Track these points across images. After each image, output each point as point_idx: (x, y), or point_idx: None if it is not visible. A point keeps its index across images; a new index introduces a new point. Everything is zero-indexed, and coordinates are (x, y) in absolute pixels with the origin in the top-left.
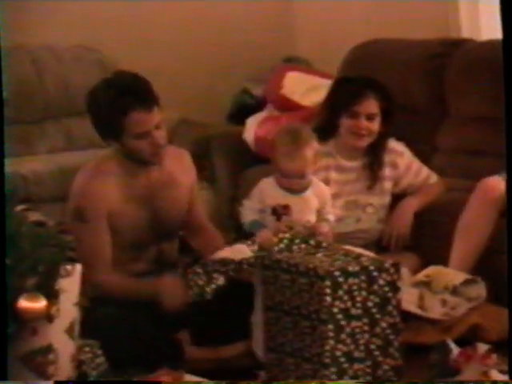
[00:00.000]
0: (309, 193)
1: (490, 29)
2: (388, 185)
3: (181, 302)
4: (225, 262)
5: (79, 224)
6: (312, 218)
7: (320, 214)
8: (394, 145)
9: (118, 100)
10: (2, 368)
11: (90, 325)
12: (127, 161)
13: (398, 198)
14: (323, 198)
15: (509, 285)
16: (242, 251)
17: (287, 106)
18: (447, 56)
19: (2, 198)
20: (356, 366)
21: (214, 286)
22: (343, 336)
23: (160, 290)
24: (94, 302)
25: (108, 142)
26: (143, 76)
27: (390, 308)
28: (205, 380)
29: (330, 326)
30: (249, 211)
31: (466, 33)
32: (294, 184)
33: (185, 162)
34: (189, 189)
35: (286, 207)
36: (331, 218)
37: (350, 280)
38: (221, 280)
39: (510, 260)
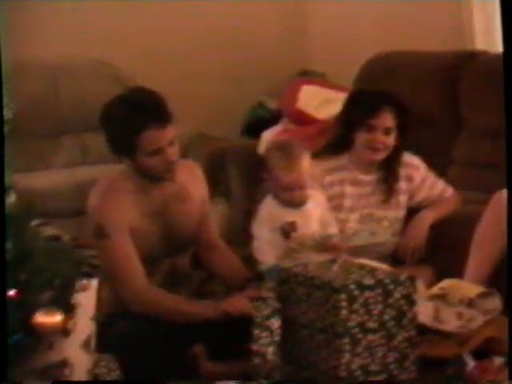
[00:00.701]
0: (310, 204)
1: None
2: (403, 198)
3: (246, 309)
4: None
5: (102, 241)
6: (317, 228)
7: (322, 225)
8: (410, 158)
9: (132, 118)
10: (2, 368)
11: (106, 339)
12: (140, 177)
13: (413, 211)
14: (323, 207)
15: (509, 284)
16: None
17: (302, 119)
18: (462, 68)
19: (2, 198)
20: (372, 379)
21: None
22: (359, 349)
23: (223, 305)
24: (109, 316)
25: (120, 159)
26: (158, 92)
27: (405, 321)
28: None
29: (346, 340)
30: (266, 247)
31: (480, 45)
32: (297, 196)
33: (196, 174)
34: (200, 202)
35: (293, 224)
36: (334, 230)
37: (366, 293)
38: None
39: (510, 261)
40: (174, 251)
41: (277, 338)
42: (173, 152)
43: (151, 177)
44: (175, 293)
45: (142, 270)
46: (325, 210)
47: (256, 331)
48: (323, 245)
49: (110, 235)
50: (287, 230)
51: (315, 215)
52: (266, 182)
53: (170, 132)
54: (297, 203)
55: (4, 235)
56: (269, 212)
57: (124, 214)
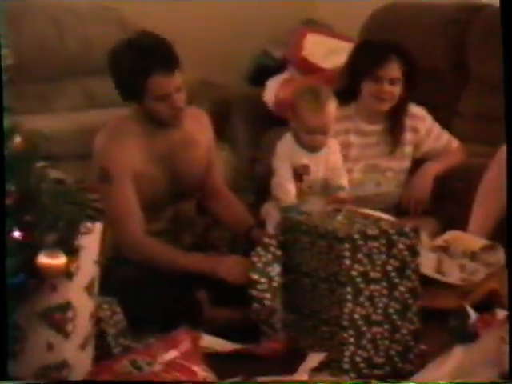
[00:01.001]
0: (325, 151)
1: None
2: (408, 149)
3: (243, 278)
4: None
5: (105, 185)
6: (329, 176)
7: (333, 176)
8: (415, 110)
9: (140, 62)
10: (2, 368)
11: (109, 283)
12: (147, 122)
13: (418, 162)
14: (337, 156)
15: (509, 282)
16: None
17: (308, 68)
18: (468, 21)
19: (2, 199)
20: (374, 329)
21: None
22: (362, 299)
23: (221, 269)
24: (112, 261)
25: (128, 103)
26: (165, 38)
27: (408, 272)
28: (222, 340)
29: (349, 289)
30: (287, 182)
31: None
32: (317, 141)
33: (203, 122)
34: (207, 149)
35: (306, 167)
36: (345, 183)
37: (370, 243)
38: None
39: (509, 258)
40: (179, 197)
41: (276, 285)
42: (180, 98)
43: (158, 122)
44: (179, 238)
45: (141, 218)
46: (338, 160)
47: (255, 277)
48: (331, 195)
49: (114, 180)
50: (300, 172)
51: (328, 162)
52: (291, 122)
53: (178, 78)
54: (315, 148)
55: (4, 235)
56: (289, 149)
57: (130, 159)
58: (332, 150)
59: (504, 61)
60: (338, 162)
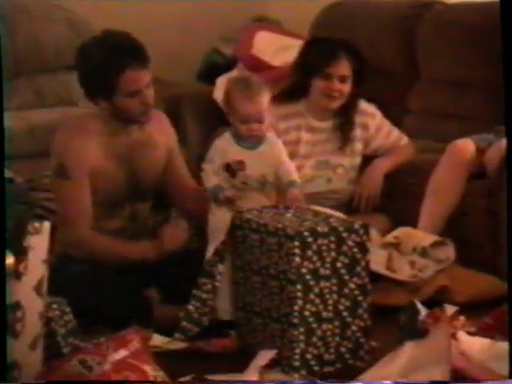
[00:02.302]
0: (263, 147)
1: None
2: (359, 146)
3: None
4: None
5: (62, 181)
6: (267, 173)
7: (281, 172)
8: (365, 106)
9: (113, 58)
10: (2, 369)
11: (59, 282)
12: (111, 120)
13: (368, 159)
14: (279, 153)
15: (509, 281)
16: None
17: (257, 65)
18: (418, 18)
19: (2, 199)
20: (325, 326)
21: None
22: (312, 296)
23: (165, 243)
24: (61, 259)
25: (95, 101)
26: (133, 35)
27: (358, 269)
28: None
29: (299, 286)
30: (210, 175)
31: None
32: (254, 129)
33: (163, 124)
34: (168, 150)
35: (241, 163)
36: (295, 178)
37: (319, 240)
38: None
39: (509, 257)
40: (136, 196)
41: (218, 284)
42: (150, 94)
43: (127, 119)
44: (135, 237)
45: (90, 217)
46: (283, 156)
47: (202, 280)
48: (285, 191)
49: (71, 177)
50: (234, 168)
51: (268, 160)
52: (227, 115)
53: (148, 74)
54: (254, 138)
55: (4, 235)
56: (221, 147)
57: (88, 155)
58: (272, 146)
59: (504, 61)
60: (282, 158)
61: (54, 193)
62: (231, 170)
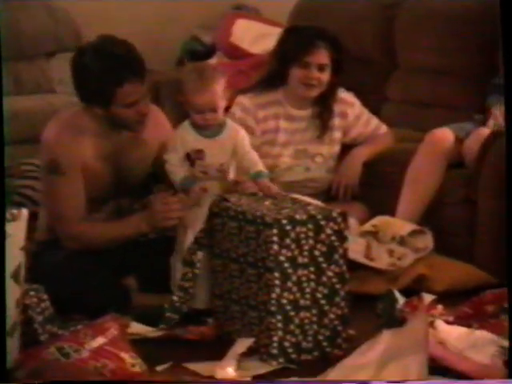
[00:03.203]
0: (223, 136)
1: None
2: (337, 134)
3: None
4: None
5: (55, 177)
6: (226, 161)
7: (246, 163)
8: (344, 95)
9: (113, 71)
10: (2, 368)
11: (37, 269)
12: (103, 122)
13: (347, 147)
14: (241, 142)
15: (508, 280)
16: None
17: (236, 53)
18: (397, 7)
19: (2, 198)
20: (302, 314)
21: None
22: (289, 284)
23: (153, 208)
24: (40, 246)
25: (91, 107)
26: (131, 43)
27: (336, 257)
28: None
29: (277, 274)
30: (176, 166)
31: None
32: (208, 119)
33: (158, 118)
34: (161, 145)
35: (200, 151)
36: (262, 168)
37: (298, 228)
38: None
39: (509, 257)
40: (122, 193)
41: (197, 271)
42: (146, 104)
43: (121, 126)
44: None
45: (83, 212)
46: (246, 146)
47: (185, 269)
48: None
49: (65, 172)
50: (193, 157)
51: (227, 148)
52: (182, 105)
53: (145, 85)
54: (211, 127)
55: (4, 235)
56: (181, 137)
57: (81, 153)
58: (232, 135)
59: (504, 61)
60: (245, 148)
61: (46, 188)
62: (190, 159)
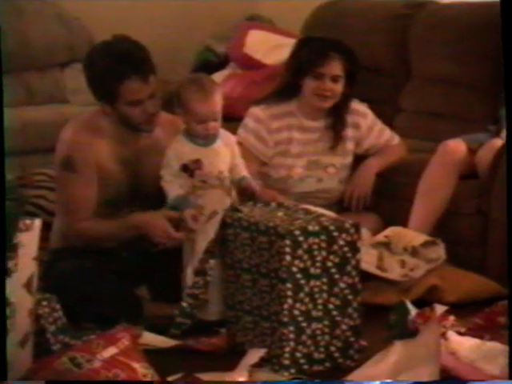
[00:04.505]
0: (219, 143)
1: None
2: (350, 145)
3: (169, 237)
4: None
5: (68, 173)
6: (225, 168)
7: (234, 169)
8: (357, 106)
9: (114, 67)
10: (2, 368)
11: (49, 279)
12: (119, 124)
13: (360, 158)
14: (233, 148)
15: (509, 279)
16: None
17: (250, 64)
18: (411, 17)
19: (2, 199)
20: (314, 325)
21: None
22: (302, 295)
23: (147, 224)
24: (53, 255)
25: (102, 104)
26: (142, 44)
27: (349, 268)
28: (162, 337)
29: (289, 285)
30: (169, 183)
31: None
32: (210, 128)
33: (176, 127)
34: None
35: (198, 161)
36: (246, 173)
37: (310, 239)
38: None
39: (510, 256)
40: (137, 200)
41: (209, 278)
42: (153, 104)
43: (130, 126)
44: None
45: (91, 212)
46: (235, 151)
47: (196, 279)
48: (238, 187)
49: (79, 170)
50: (191, 168)
51: (223, 155)
52: (180, 116)
53: (152, 84)
54: (210, 136)
55: (4, 235)
56: (176, 150)
57: (96, 153)
58: (226, 142)
59: (504, 61)
60: (237, 153)
61: (58, 184)
62: (189, 169)
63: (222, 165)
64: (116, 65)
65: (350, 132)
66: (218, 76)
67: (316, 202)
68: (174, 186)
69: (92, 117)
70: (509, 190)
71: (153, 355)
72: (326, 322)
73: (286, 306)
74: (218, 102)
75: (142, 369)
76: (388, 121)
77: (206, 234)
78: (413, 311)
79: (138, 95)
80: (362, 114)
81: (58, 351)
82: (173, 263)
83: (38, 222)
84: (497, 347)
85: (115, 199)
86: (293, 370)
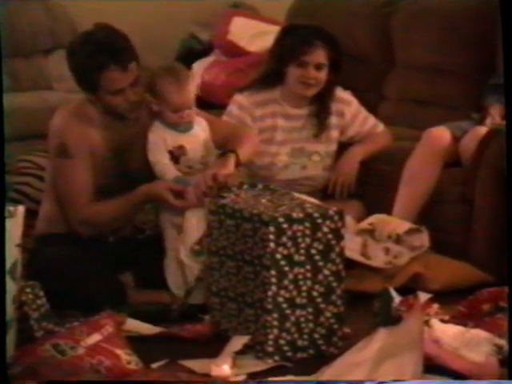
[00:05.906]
0: (196, 129)
1: None
2: (334, 133)
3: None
4: None
5: (63, 160)
6: (205, 152)
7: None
8: (341, 93)
9: (94, 57)
10: (2, 369)
11: (34, 265)
12: (105, 113)
13: (344, 146)
14: (207, 133)
15: (509, 279)
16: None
17: (234, 51)
18: (394, 5)
19: (2, 197)
20: (298, 312)
21: None
22: (286, 282)
23: (151, 187)
24: (38, 241)
25: (85, 94)
26: (123, 32)
27: (333, 255)
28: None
29: (273, 272)
30: (167, 168)
31: None
32: (185, 116)
33: None
34: None
35: (181, 147)
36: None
37: (294, 226)
38: None
39: (510, 256)
40: (128, 186)
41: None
42: (134, 92)
43: (114, 114)
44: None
45: (91, 196)
46: (208, 137)
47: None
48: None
49: (74, 155)
50: (177, 154)
51: (202, 139)
52: (154, 106)
53: (132, 73)
54: (185, 124)
55: (4, 236)
56: (160, 136)
57: (88, 138)
58: (202, 127)
59: (504, 61)
60: (208, 139)
61: (54, 172)
62: (174, 156)
63: (202, 148)
64: (95, 55)
65: (334, 120)
66: (202, 63)
67: (300, 190)
68: (170, 168)
69: (80, 105)
70: (509, 190)
71: (136, 342)
72: (310, 309)
73: (269, 293)
74: (191, 90)
75: (125, 355)
76: (372, 109)
77: (191, 233)
78: (396, 298)
79: (119, 84)
80: (346, 101)
81: (41, 338)
82: (157, 250)
83: (21, 209)
84: (480, 334)
85: (106, 187)
86: (276, 357)
